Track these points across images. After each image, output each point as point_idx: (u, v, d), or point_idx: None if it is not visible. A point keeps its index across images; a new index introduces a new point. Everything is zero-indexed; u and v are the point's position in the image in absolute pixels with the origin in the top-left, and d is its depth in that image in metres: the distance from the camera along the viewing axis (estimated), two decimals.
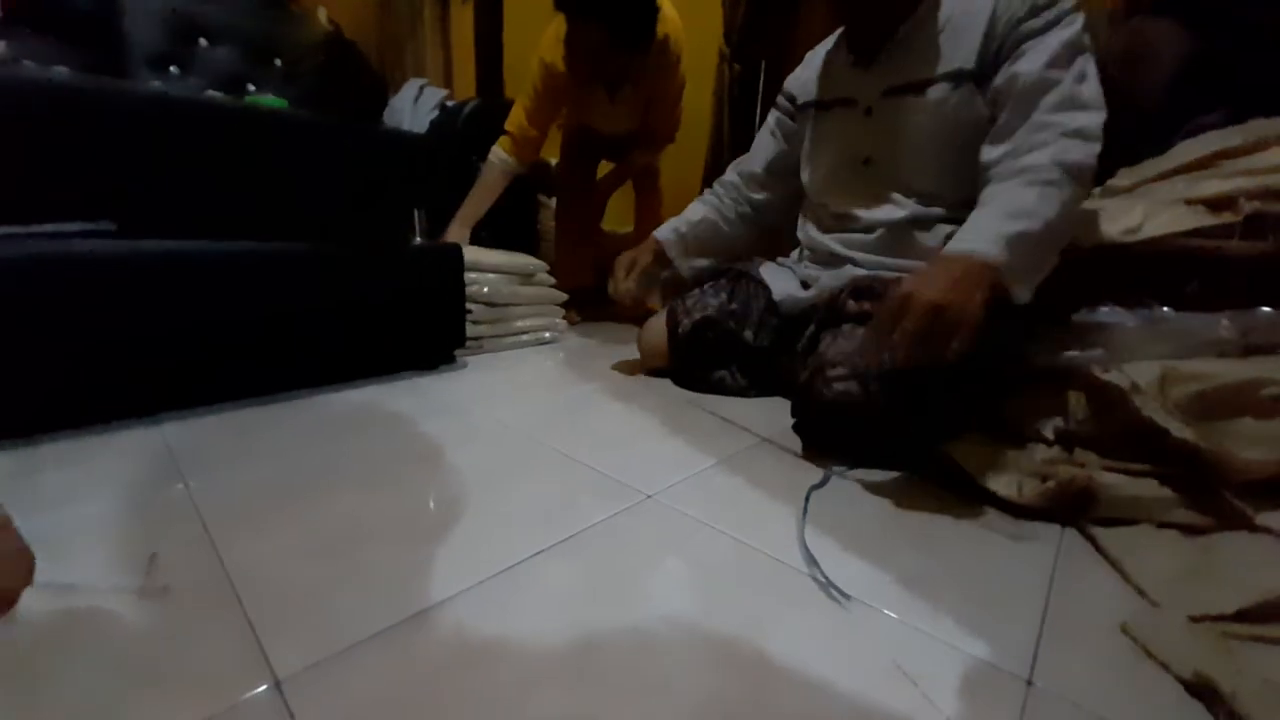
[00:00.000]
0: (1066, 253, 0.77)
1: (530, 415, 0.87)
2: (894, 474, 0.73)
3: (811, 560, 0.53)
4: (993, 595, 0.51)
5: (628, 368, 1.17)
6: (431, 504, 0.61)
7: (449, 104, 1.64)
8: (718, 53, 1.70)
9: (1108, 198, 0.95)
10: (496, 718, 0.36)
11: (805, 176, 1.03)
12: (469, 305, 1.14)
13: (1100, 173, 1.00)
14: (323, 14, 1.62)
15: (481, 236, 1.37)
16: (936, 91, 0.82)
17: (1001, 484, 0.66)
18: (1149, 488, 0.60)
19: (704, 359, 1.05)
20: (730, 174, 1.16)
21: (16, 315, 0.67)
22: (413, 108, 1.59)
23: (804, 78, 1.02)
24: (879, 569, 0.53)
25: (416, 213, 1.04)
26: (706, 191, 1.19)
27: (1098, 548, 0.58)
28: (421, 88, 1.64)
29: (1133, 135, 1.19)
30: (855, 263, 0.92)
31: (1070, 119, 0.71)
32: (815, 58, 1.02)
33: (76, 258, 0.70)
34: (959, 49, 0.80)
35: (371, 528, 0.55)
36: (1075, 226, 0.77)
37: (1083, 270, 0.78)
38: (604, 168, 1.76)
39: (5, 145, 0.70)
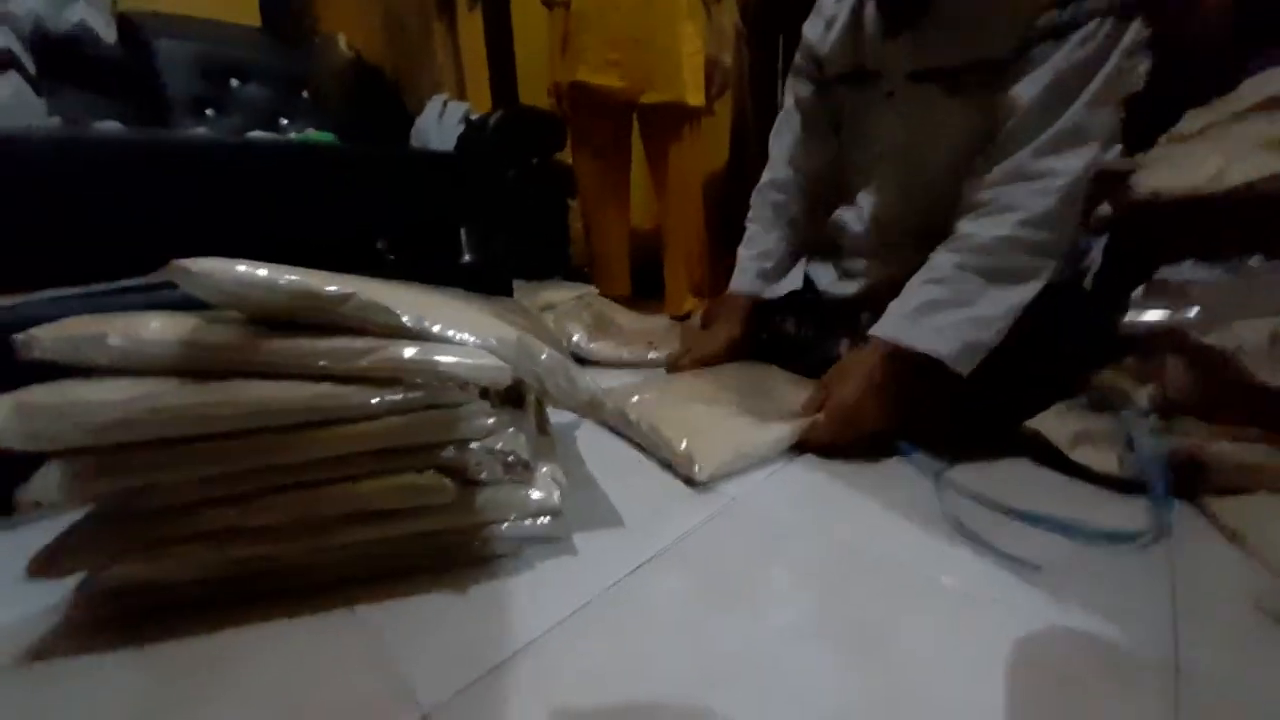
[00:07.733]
0: (1145, 205, 0.74)
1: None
2: (989, 462, 0.70)
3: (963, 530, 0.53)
4: (1113, 576, 0.49)
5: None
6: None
7: (472, 118, 1.65)
8: (734, 29, 1.64)
9: (1175, 144, 0.91)
10: None
11: (843, 157, 0.92)
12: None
13: (1165, 122, 0.95)
14: (343, 41, 1.64)
15: (501, 241, 1.32)
16: (965, 85, 0.69)
17: (1097, 458, 0.64)
18: (1262, 454, 0.58)
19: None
20: (783, 171, 0.98)
21: None
22: (438, 125, 1.60)
23: (829, 35, 0.84)
24: (981, 558, 0.53)
25: (461, 231, 1.05)
26: (759, 206, 1.01)
27: (1214, 521, 0.56)
28: (445, 103, 1.65)
29: (1200, 74, 1.12)
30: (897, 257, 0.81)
31: (1057, 164, 0.64)
32: (837, 5, 0.83)
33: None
34: (992, 32, 0.67)
35: None
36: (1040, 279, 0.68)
37: (1163, 224, 0.74)
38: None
39: (78, 204, 0.72)
